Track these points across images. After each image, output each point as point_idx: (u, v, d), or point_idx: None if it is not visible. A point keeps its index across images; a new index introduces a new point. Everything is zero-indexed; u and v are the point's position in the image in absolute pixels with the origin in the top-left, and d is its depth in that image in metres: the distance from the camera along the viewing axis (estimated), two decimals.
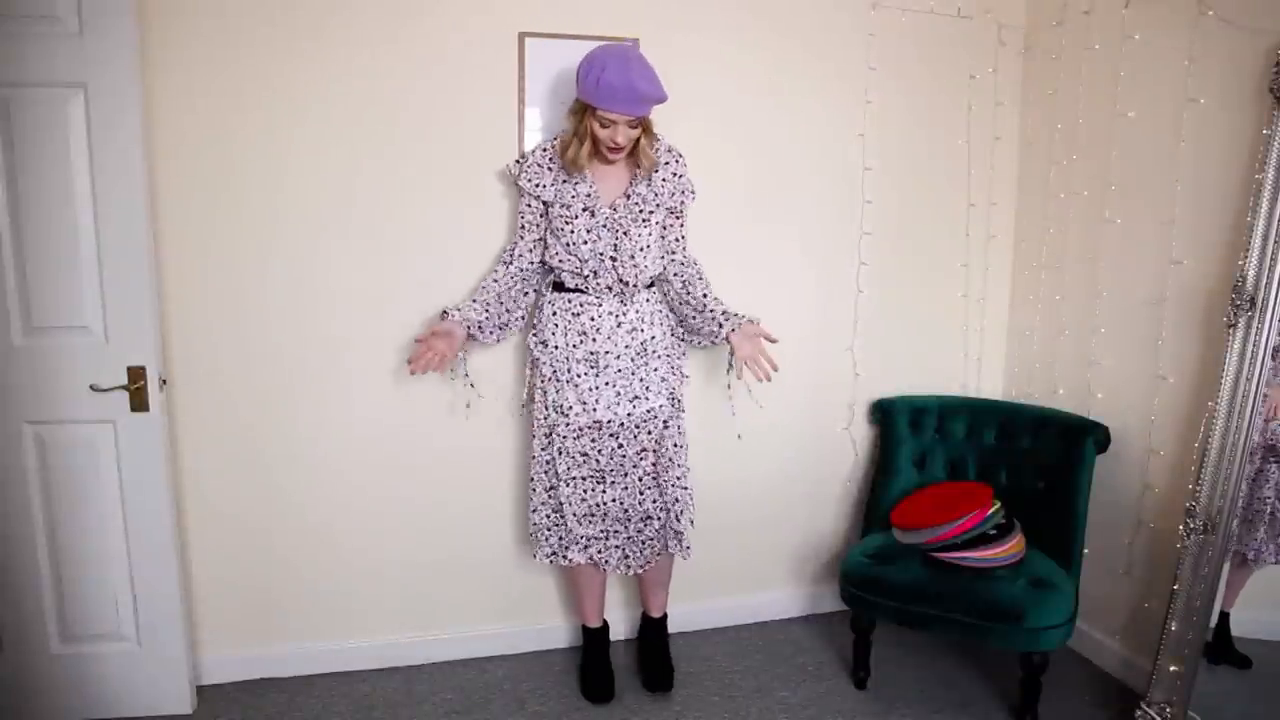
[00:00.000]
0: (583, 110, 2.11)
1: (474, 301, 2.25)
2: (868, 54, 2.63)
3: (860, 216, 2.73)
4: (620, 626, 2.69)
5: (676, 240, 2.32)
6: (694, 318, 2.30)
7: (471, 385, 2.36)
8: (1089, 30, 2.51)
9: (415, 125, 2.33)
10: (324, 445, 2.41)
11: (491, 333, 2.27)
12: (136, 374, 2.09)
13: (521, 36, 2.35)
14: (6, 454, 2.09)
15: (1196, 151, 2.19)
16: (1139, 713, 2.14)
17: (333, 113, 2.27)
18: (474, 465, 2.51)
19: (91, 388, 2.07)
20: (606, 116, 2.07)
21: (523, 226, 2.28)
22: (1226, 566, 2.06)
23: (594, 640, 2.48)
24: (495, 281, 2.28)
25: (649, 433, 2.28)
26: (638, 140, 2.16)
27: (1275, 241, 1.93)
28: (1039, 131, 2.74)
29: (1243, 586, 2.10)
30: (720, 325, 2.23)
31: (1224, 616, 2.09)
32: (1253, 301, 1.98)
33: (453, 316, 2.21)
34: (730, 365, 2.32)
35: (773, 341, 2.23)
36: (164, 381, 2.17)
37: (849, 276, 2.75)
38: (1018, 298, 2.88)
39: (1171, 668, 2.09)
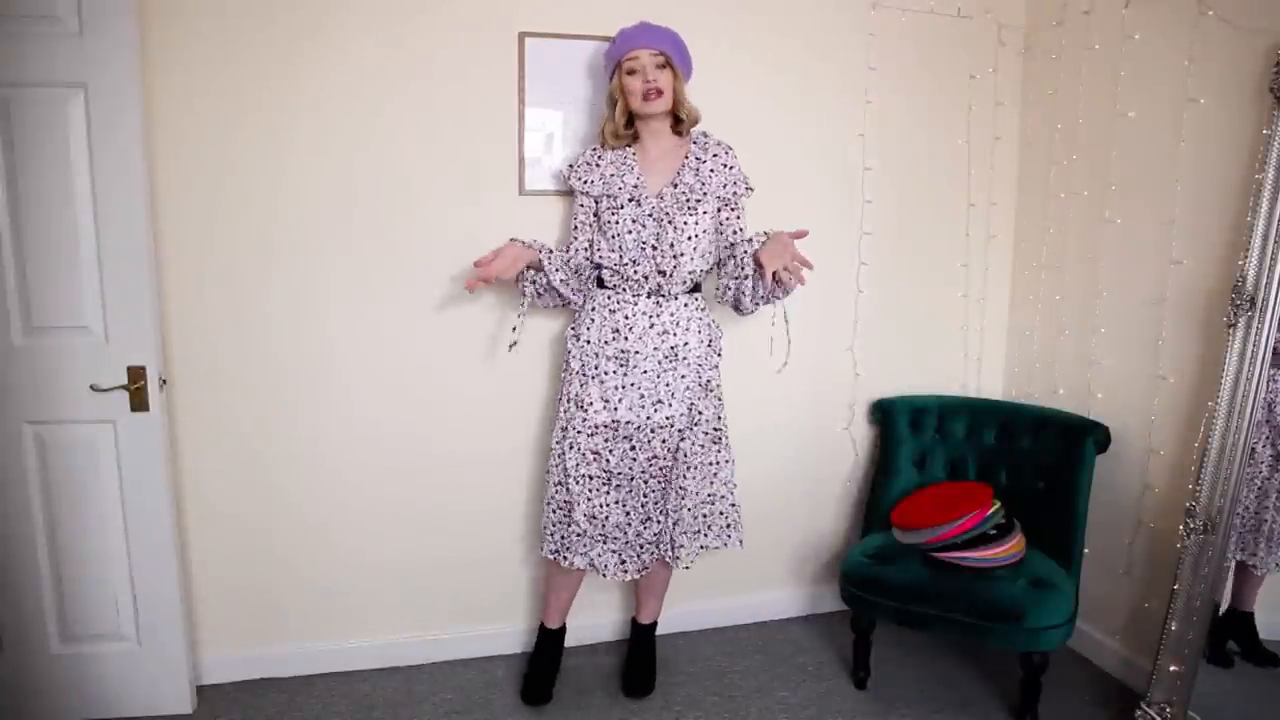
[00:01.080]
0: (613, 78, 2.21)
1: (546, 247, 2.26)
2: (868, 54, 2.63)
3: (860, 216, 2.73)
4: (614, 628, 2.71)
5: (735, 233, 2.29)
6: (731, 273, 2.22)
7: (521, 316, 2.27)
8: (1089, 30, 2.51)
9: (415, 125, 2.33)
10: (324, 445, 2.41)
11: (558, 271, 2.22)
12: (136, 374, 2.09)
13: (521, 36, 2.35)
14: (6, 454, 2.09)
15: (1196, 151, 2.19)
16: (1139, 713, 2.14)
17: (332, 113, 2.27)
18: (474, 466, 2.51)
19: (91, 388, 2.07)
20: (629, 57, 2.14)
21: (576, 228, 2.31)
22: (1231, 570, 2.06)
23: (550, 641, 2.44)
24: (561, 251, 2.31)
25: (663, 441, 2.26)
26: (676, 117, 2.22)
27: (1275, 241, 1.93)
28: (1039, 131, 2.74)
29: (1259, 586, 2.10)
30: (745, 259, 2.14)
31: (1249, 617, 2.09)
32: (1253, 301, 1.98)
33: (523, 240, 2.21)
34: (773, 312, 2.25)
35: (801, 236, 2.12)
36: (164, 381, 2.17)
37: (849, 276, 2.75)
38: (1018, 298, 2.88)
39: (1171, 668, 2.09)
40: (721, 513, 2.37)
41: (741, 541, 2.41)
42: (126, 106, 2.00)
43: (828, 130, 2.66)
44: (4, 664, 2.17)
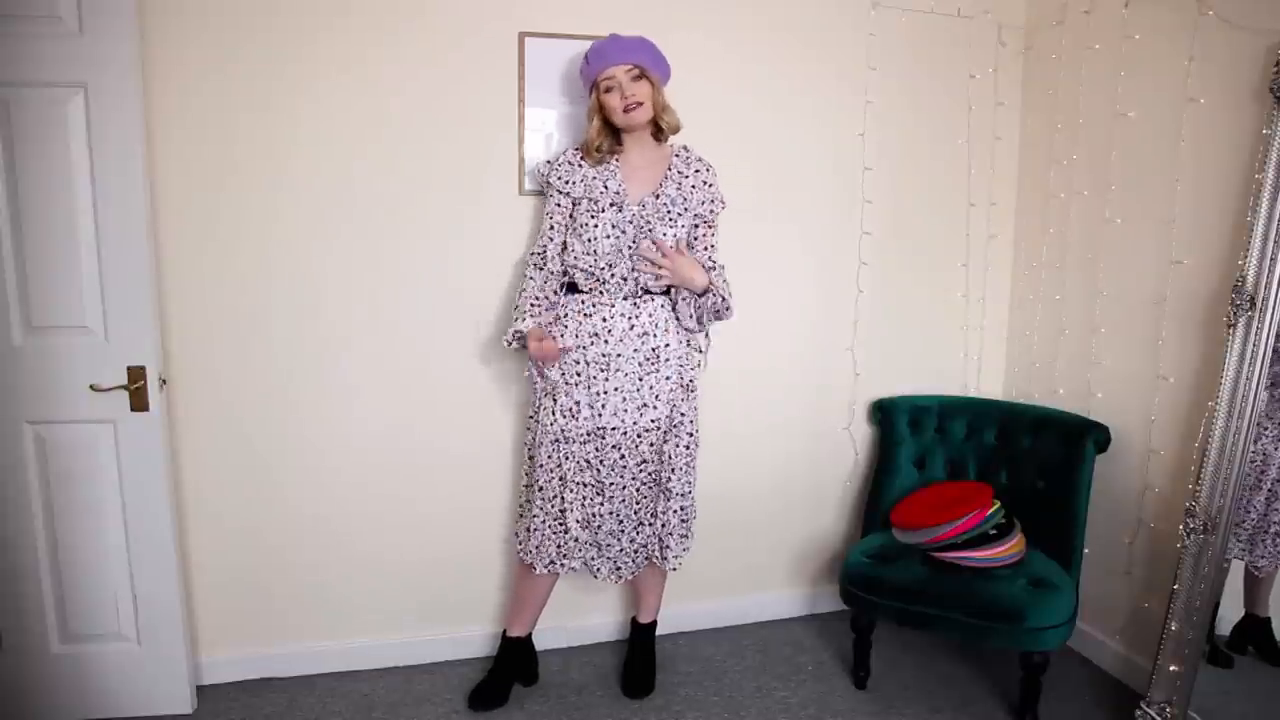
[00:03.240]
0: (591, 95, 2.20)
1: (532, 315, 2.22)
2: (868, 54, 2.63)
3: (860, 216, 2.73)
4: (614, 628, 2.71)
5: (705, 250, 2.30)
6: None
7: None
8: (1089, 30, 2.51)
9: (415, 125, 2.33)
10: (323, 445, 2.41)
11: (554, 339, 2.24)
12: (136, 374, 2.09)
13: (521, 36, 2.35)
14: (6, 454, 2.09)
15: (1196, 151, 2.19)
16: (1139, 713, 2.14)
17: (333, 113, 2.27)
18: (473, 465, 2.51)
19: (91, 388, 2.07)
20: (604, 76, 2.14)
21: (551, 228, 2.27)
22: (1241, 574, 2.05)
23: (516, 650, 2.41)
24: (540, 287, 2.25)
25: (650, 443, 2.26)
26: (657, 125, 2.21)
27: (1275, 241, 1.93)
28: (1039, 131, 2.74)
29: (1269, 589, 2.09)
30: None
31: (1266, 622, 2.08)
32: (1253, 301, 1.98)
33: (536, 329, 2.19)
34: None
35: (663, 254, 2.21)
36: (164, 381, 2.17)
37: (849, 276, 2.75)
38: (1018, 298, 2.88)
39: (1171, 668, 2.09)
40: (693, 514, 2.38)
41: (686, 536, 2.40)
42: (126, 106, 2.00)
43: (828, 130, 2.66)
44: (4, 664, 2.17)
